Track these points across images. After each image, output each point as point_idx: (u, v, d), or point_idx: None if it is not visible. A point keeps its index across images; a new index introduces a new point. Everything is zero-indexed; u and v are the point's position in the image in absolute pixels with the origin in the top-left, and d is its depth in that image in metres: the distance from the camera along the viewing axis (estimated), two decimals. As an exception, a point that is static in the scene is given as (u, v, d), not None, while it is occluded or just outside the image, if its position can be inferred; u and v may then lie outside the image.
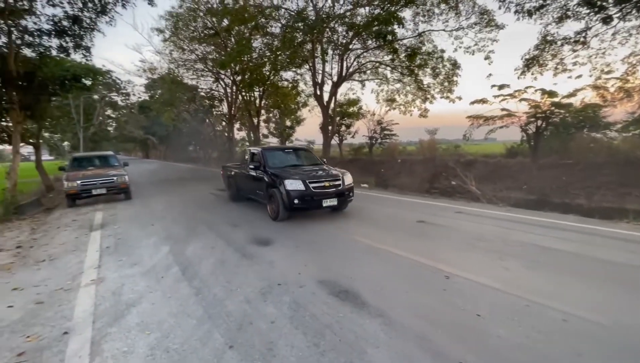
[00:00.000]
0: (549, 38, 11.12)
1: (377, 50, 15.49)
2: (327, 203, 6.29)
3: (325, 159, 9.02)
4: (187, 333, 2.60)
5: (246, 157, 8.43)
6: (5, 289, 3.65)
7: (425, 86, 16.39)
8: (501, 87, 13.33)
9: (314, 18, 13.35)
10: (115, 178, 9.43)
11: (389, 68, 16.62)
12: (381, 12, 12.25)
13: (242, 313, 2.88)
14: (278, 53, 15.89)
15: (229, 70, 21.41)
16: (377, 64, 16.75)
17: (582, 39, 10.67)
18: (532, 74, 12.11)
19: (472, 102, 14.25)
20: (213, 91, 27.79)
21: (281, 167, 7.12)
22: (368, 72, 17.61)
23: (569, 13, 10.20)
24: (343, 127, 21.37)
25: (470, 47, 13.81)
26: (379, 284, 3.42)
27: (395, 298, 3.11)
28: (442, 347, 2.35)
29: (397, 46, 13.82)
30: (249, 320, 2.75)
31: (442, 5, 12.93)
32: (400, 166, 15.69)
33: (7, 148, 16.32)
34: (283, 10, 14.76)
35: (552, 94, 11.03)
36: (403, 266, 3.92)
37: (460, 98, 16.35)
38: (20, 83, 11.49)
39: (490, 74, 13.23)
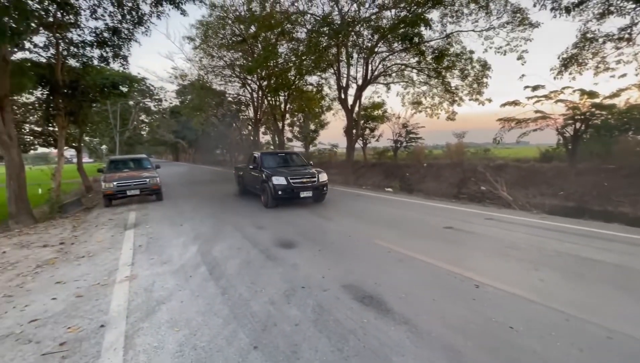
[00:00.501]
0: (589, 35, 10.49)
1: (403, 52, 15.28)
2: (303, 194, 8.26)
3: (312, 162, 10.23)
4: (214, 331, 2.66)
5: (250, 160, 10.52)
6: (50, 282, 3.92)
7: (453, 88, 15.94)
8: (535, 88, 12.72)
9: (339, 22, 13.40)
10: (148, 180, 9.91)
11: (415, 70, 16.34)
12: (407, 14, 12.07)
13: (266, 314, 2.92)
14: (303, 58, 16.09)
15: (255, 75, 21.96)
16: (403, 66, 16.52)
17: (626, 36, 9.97)
18: (570, 73, 11.47)
19: (503, 105, 13.70)
20: (240, 96, 28.59)
21: (274, 167, 9.02)
22: (393, 75, 17.40)
23: (612, 9, 9.58)
24: (367, 131, 21.23)
25: (501, 47, 13.28)
26: (404, 290, 3.34)
27: (421, 305, 3.03)
28: (472, 359, 2.25)
29: (423, 48, 13.55)
30: (273, 322, 2.78)
31: (472, 5, 12.55)
32: (426, 171, 15.33)
33: (53, 151, 17.62)
34: (309, 15, 14.93)
35: (592, 94, 10.37)
36: (429, 273, 3.80)
37: (490, 100, 15.75)
38: (65, 91, 12.39)
39: (523, 75, 12.67)
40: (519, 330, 2.59)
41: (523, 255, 4.36)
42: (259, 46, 19.49)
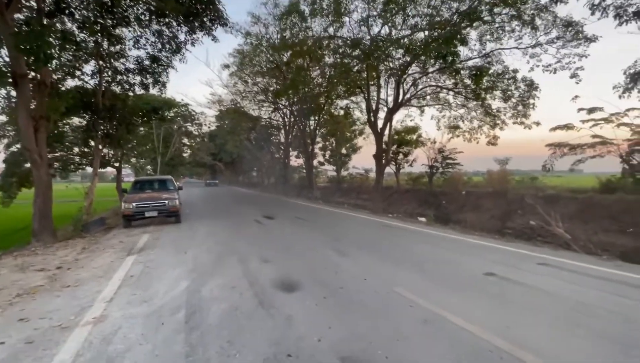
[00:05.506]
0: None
1: (437, 73, 14.45)
2: (210, 185, 47.76)
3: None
4: (149, 423, 1.92)
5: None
6: (14, 318, 3.47)
7: (495, 110, 14.67)
8: (592, 110, 11.27)
9: (368, 44, 13.01)
10: (167, 202, 9.74)
11: (451, 93, 15.35)
12: (441, 32, 11.34)
13: (228, 398, 2.14)
14: (335, 81, 15.83)
15: (286, 100, 22.20)
16: (438, 88, 15.62)
17: None
18: (640, 92, 9.89)
19: (554, 128, 12.28)
20: (272, 120, 29.12)
21: (207, 180, 49.33)
22: (428, 97, 16.53)
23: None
24: (400, 156, 20.23)
25: (550, 65, 12.01)
26: (427, 373, 2.39)
27: (451, 405, 2.07)
28: None
29: (459, 67, 12.63)
30: (233, 414, 1.98)
31: (515, 22, 11.57)
32: (465, 199, 13.93)
33: (108, 170, 18.69)
34: (337, 39, 14.72)
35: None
36: (465, 347, 2.78)
37: (538, 123, 14.24)
38: (104, 115, 13.01)
39: (576, 96, 11.27)
40: None
41: (603, 325, 3.15)
42: (292, 71, 19.75)
